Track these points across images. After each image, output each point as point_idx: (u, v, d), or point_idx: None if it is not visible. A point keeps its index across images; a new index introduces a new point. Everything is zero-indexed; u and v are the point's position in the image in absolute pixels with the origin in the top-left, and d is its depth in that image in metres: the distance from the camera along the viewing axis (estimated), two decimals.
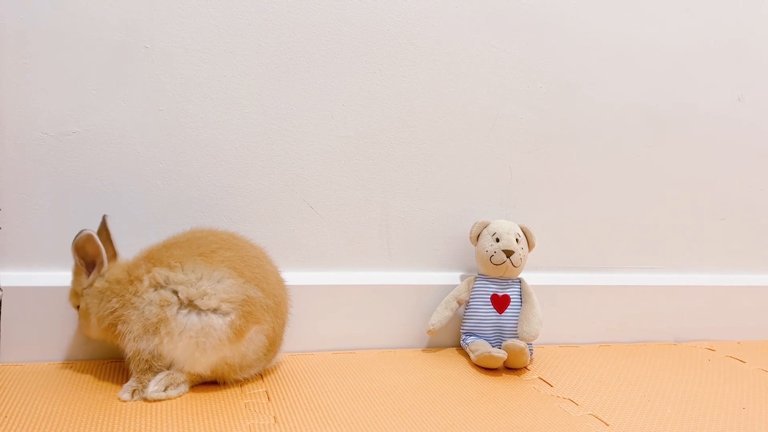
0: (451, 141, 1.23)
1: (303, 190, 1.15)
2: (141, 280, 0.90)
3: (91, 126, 1.03)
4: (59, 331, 1.01)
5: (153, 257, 0.92)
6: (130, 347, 0.90)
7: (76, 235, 0.91)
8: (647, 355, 1.27)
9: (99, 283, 0.92)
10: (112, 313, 0.90)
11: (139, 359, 0.91)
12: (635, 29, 1.32)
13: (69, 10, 0.99)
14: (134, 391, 0.89)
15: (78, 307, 0.95)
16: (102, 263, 0.92)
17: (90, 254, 0.92)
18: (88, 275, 0.93)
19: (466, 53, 1.22)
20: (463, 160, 1.25)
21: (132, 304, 0.90)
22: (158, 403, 0.88)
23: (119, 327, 0.90)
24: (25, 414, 0.82)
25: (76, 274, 0.94)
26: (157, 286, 0.90)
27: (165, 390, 0.90)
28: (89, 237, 0.91)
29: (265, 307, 0.94)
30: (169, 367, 0.92)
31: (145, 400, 0.89)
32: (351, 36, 1.14)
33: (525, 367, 1.14)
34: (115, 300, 0.90)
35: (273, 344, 0.98)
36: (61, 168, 1.02)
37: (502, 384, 1.05)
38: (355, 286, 1.18)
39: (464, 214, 1.26)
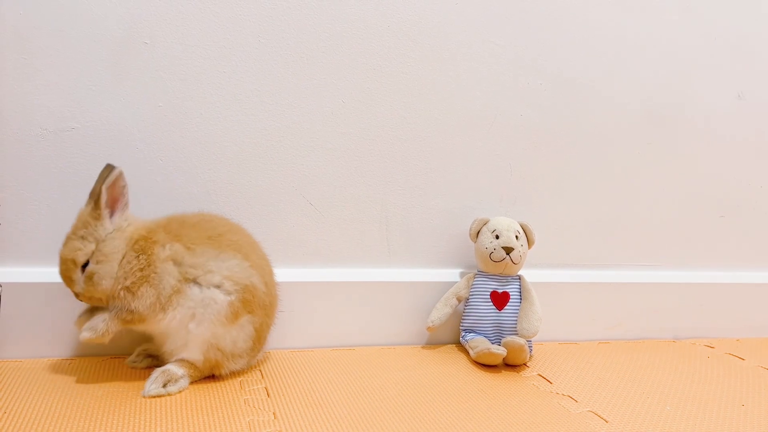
0: (451, 138, 1.23)
1: (303, 186, 1.15)
2: (163, 246, 0.90)
3: (90, 122, 1.02)
4: (58, 327, 1.01)
5: (171, 230, 0.92)
6: (127, 302, 0.87)
7: (105, 173, 0.88)
8: (646, 353, 1.27)
9: (128, 228, 0.90)
10: (141, 270, 0.87)
11: (123, 311, 0.88)
12: (636, 26, 1.32)
13: (69, 5, 0.99)
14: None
15: (82, 265, 0.87)
16: (127, 204, 0.91)
17: (116, 195, 0.89)
18: (111, 219, 0.89)
19: (467, 50, 1.21)
20: (463, 157, 1.24)
21: (155, 267, 0.88)
22: (157, 399, 0.88)
23: (141, 289, 0.87)
24: (25, 410, 0.82)
25: (96, 219, 0.87)
26: (175, 262, 0.90)
27: (164, 386, 0.90)
28: (120, 174, 0.89)
29: (260, 303, 0.96)
30: (163, 359, 0.94)
31: (144, 397, 0.88)
32: (351, 33, 1.14)
33: (524, 364, 1.14)
34: (143, 257, 0.88)
35: (259, 338, 0.99)
36: (60, 164, 1.02)
37: (502, 381, 1.06)
38: (355, 282, 1.18)
39: (464, 211, 1.26)
